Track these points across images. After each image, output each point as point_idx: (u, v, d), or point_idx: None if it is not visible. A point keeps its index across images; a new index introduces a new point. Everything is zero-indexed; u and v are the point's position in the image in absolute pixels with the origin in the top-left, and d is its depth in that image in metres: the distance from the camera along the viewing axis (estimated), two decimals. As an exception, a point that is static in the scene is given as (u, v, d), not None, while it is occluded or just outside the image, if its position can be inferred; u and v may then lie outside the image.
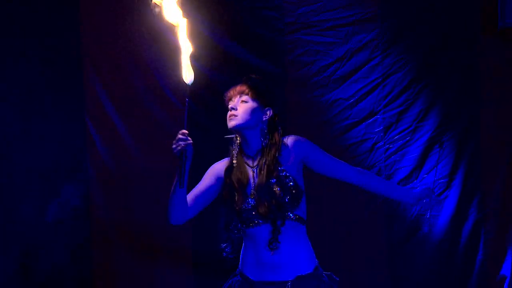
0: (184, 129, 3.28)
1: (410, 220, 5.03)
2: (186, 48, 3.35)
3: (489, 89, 5.03)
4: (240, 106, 3.46)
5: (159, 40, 5.10)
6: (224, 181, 3.48)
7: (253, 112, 3.46)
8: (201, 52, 5.08)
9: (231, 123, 3.44)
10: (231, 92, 3.51)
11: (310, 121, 5.05)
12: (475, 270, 5.02)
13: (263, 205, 3.37)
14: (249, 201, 3.41)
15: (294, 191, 3.40)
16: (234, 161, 3.48)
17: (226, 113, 3.48)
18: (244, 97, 3.47)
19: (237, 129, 3.45)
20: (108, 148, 5.13)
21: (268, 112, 3.50)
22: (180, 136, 3.26)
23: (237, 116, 3.43)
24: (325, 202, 4.98)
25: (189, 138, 3.26)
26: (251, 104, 3.47)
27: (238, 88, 3.51)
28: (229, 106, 3.48)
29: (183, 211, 3.42)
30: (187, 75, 3.33)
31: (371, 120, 5.07)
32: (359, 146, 5.07)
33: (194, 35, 5.01)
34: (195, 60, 5.02)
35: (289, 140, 3.50)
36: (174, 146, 3.26)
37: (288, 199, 3.38)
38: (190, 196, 3.45)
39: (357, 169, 3.57)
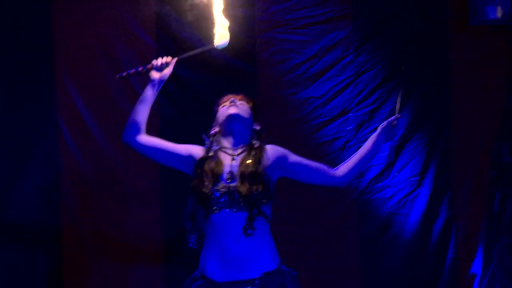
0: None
1: (381, 217, 5.05)
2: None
3: (460, 87, 5.06)
4: (240, 106, 3.61)
5: (132, 36, 5.08)
6: (195, 168, 3.51)
7: (250, 116, 3.61)
8: (172, 51, 5.09)
9: (233, 110, 3.56)
10: (230, 96, 3.64)
11: (282, 119, 5.05)
12: (445, 267, 5.04)
13: (245, 185, 3.42)
14: (223, 183, 3.44)
15: (267, 190, 3.47)
16: (211, 154, 3.53)
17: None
18: (244, 103, 3.63)
19: (235, 118, 3.55)
20: (80, 146, 5.08)
21: (257, 126, 3.65)
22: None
23: (239, 108, 3.58)
24: (296, 200, 4.98)
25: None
26: (249, 110, 3.62)
27: (239, 96, 3.66)
28: (230, 101, 3.61)
29: (138, 129, 3.55)
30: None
31: (343, 118, 5.08)
32: (331, 145, 5.07)
33: (164, 32, 5.04)
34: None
35: (268, 148, 3.60)
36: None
37: (262, 192, 3.43)
38: (157, 140, 3.58)
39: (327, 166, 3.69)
